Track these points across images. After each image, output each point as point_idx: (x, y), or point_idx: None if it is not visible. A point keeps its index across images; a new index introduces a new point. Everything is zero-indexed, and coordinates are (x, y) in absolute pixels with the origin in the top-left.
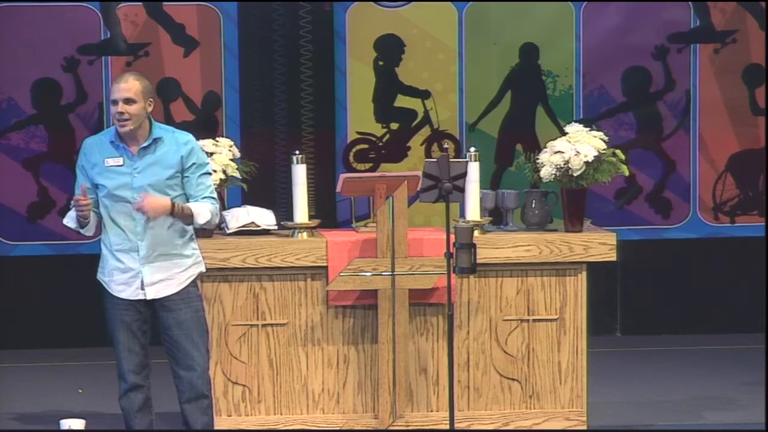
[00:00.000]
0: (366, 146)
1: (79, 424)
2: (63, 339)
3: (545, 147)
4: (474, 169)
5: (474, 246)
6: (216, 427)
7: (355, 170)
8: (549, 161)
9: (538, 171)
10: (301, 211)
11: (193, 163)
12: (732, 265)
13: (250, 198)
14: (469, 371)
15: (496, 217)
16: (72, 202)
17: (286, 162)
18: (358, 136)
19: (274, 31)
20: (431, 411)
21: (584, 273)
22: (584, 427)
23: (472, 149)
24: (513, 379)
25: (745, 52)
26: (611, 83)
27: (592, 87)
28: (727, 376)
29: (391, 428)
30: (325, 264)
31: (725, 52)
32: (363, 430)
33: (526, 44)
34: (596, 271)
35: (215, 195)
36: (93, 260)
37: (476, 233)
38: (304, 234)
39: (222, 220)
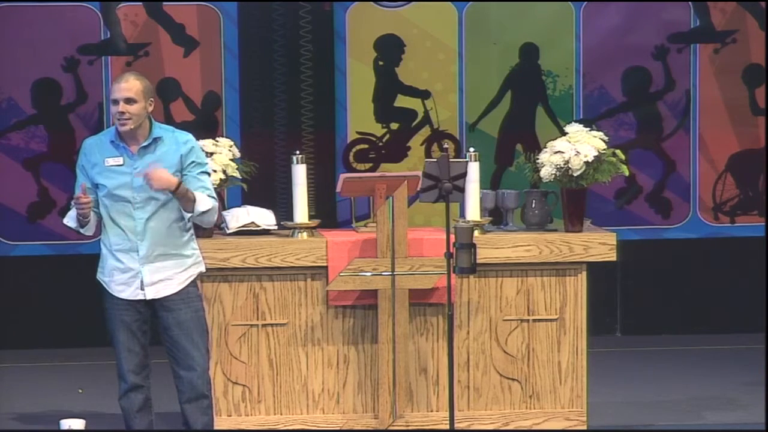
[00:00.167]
0: (366, 146)
1: (79, 424)
2: (63, 339)
3: (545, 147)
4: (474, 169)
5: (474, 246)
6: (216, 427)
7: (355, 170)
8: (549, 161)
9: (538, 171)
10: (301, 211)
11: (192, 162)
12: (732, 265)
13: (250, 198)
14: (469, 371)
15: (496, 217)
16: (72, 201)
17: (286, 162)
18: (358, 136)
19: (274, 31)
20: (431, 411)
21: (584, 273)
22: (584, 427)
23: (472, 149)
24: (513, 379)
25: (745, 52)
26: (611, 83)
27: (592, 87)
28: (727, 376)
29: (391, 428)
30: (325, 264)
31: (725, 52)
32: (363, 430)
33: (526, 44)
34: (596, 271)
35: (214, 194)
36: (93, 260)
37: (476, 233)
38: (304, 234)
39: (222, 220)
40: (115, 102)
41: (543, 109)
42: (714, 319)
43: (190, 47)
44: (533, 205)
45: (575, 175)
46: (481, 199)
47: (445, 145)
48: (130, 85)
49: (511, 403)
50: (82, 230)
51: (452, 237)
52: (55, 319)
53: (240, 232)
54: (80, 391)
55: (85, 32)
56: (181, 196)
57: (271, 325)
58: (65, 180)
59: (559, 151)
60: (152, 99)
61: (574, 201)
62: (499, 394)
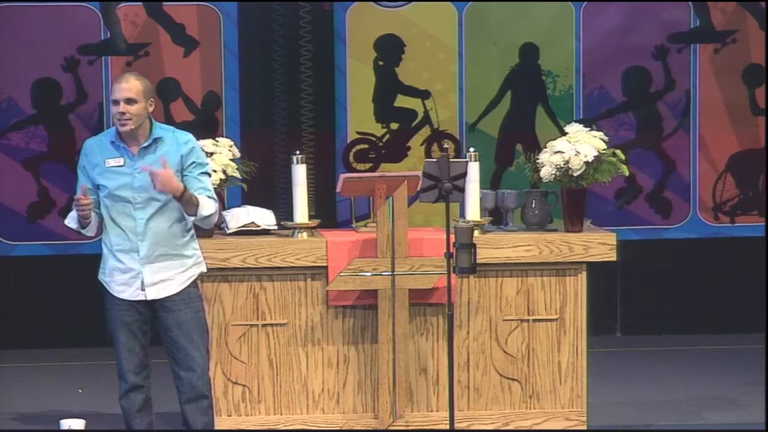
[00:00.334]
0: (366, 146)
1: (79, 424)
2: (63, 339)
3: (545, 147)
4: (474, 169)
5: (474, 246)
6: (216, 427)
7: (355, 170)
8: (549, 161)
9: (538, 171)
10: (301, 211)
11: (193, 162)
12: (732, 265)
13: (250, 198)
14: (469, 371)
15: (496, 217)
16: (73, 202)
17: (286, 162)
18: (358, 136)
19: (274, 31)
20: (431, 411)
21: (584, 273)
22: (584, 427)
23: (472, 149)
24: (513, 379)
25: (745, 52)
26: (611, 83)
27: (592, 87)
28: (727, 376)
29: (391, 428)
30: (325, 264)
31: (725, 52)
32: (363, 430)
33: (526, 44)
34: (596, 271)
35: (214, 195)
36: (93, 260)
37: (476, 233)
38: (304, 234)
39: (222, 220)
40: (116, 102)
41: (543, 109)
42: (714, 319)
43: (190, 47)
44: (533, 205)
45: (575, 175)
46: (481, 199)
47: (445, 145)
48: (130, 86)
49: (511, 403)
50: (83, 231)
51: (452, 237)
52: (55, 319)
53: (240, 232)
54: (80, 391)
55: (85, 32)
56: (185, 201)
57: (271, 325)
58: (65, 180)
59: (559, 151)
60: (152, 99)
61: (574, 201)
62: (499, 394)
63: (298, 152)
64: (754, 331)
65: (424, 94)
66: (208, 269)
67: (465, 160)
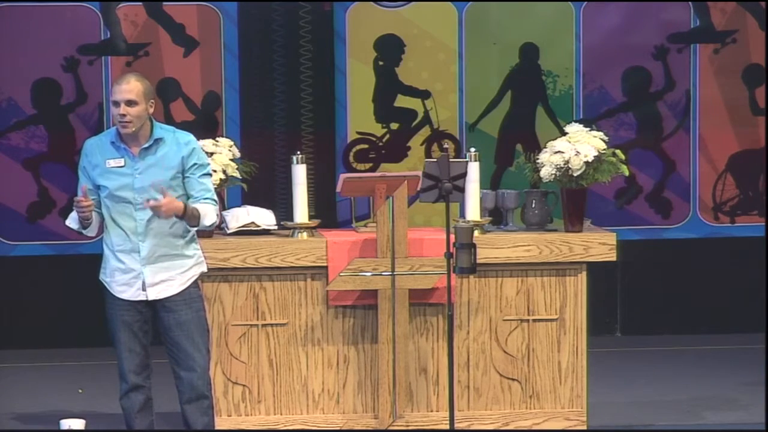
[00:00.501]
0: (366, 146)
1: (79, 424)
2: (63, 339)
3: (545, 147)
4: (474, 169)
5: (474, 246)
6: (216, 427)
7: (355, 170)
8: (549, 161)
9: (538, 171)
10: (301, 211)
11: (194, 164)
12: (732, 265)
13: (250, 198)
14: (469, 371)
15: (496, 217)
16: (74, 204)
17: (286, 162)
18: (358, 136)
19: (274, 31)
20: (431, 411)
21: (584, 273)
22: (584, 427)
23: (472, 149)
24: (513, 379)
25: (745, 52)
26: (611, 83)
27: (592, 87)
28: (727, 376)
29: (391, 428)
30: (325, 264)
31: (725, 52)
32: (363, 430)
33: (526, 44)
34: (596, 271)
35: (215, 196)
36: (93, 260)
37: (476, 233)
38: (304, 234)
39: (222, 220)
40: (116, 104)
41: (543, 109)
42: (714, 319)
43: (190, 47)
44: (533, 205)
45: (575, 175)
46: (481, 199)
47: (445, 145)
48: (131, 87)
49: (511, 403)
50: (84, 231)
51: (452, 237)
52: (55, 319)
53: (240, 232)
54: (80, 391)
55: (85, 32)
56: (188, 218)
57: (271, 325)
58: (65, 180)
59: (559, 151)
60: (153, 100)
61: (574, 201)
62: (499, 394)
63: (298, 152)
64: (754, 331)
65: (424, 94)
66: (208, 269)
67: (465, 160)
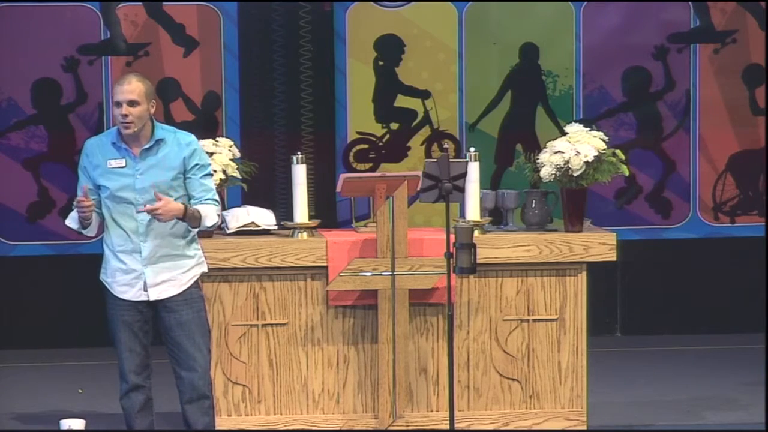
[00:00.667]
0: (366, 146)
1: (79, 424)
2: (63, 339)
3: (545, 147)
4: (474, 169)
5: (474, 246)
6: (216, 427)
7: (355, 170)
8: (549, 161)
9: (538, 171)
10: (301, 211)
11: (196, 164)
12: (732, 265)
13: (250, 198)
14: (469, 371)
15: (496, 217)
16: (74, 204)
17: (286, 162)
18: (358, 136)
19: (274, 31)
20: (431, 411)
21: (584, 273)
22: (584, 427)
23: (472, 149)
24: (513, 379)
25: (745, 52)
26: (611, 83)
27: (592, 87)
28: (727, 376)
29: (391, 428)
30: (325, 264)
31: (725, 52)
32: (363, 430)
33: (526, 44)
34: (596, 271)
35: (217, 197)
36: (93, 260)
37: (476, 233)
38: (304, 234)
39: (222, 220)
40: (118, 104)
41: (543, 109)
42: (714, 319)
43: (190, 47)
44: (533, 205)
45: (575, 175)
46: (481, 199)
47: (445, 145)
48: (132, 87)
49: (511, 403)
50: (84, 231)
51: (452, 237)
52: (55, 319)
53: (240, 232)
54: (80, 391)
55: (85, 32)
56: (188, 219)
57: (271, 325)
58: (65, 180)
59: (559, 151)
60: (154, 100)
61: (574, 201)
62: (499, 394)
63: (298, 152)
64: (754, 331)
65: (424, 94)
66: (209, 269)
67: (465, 160)
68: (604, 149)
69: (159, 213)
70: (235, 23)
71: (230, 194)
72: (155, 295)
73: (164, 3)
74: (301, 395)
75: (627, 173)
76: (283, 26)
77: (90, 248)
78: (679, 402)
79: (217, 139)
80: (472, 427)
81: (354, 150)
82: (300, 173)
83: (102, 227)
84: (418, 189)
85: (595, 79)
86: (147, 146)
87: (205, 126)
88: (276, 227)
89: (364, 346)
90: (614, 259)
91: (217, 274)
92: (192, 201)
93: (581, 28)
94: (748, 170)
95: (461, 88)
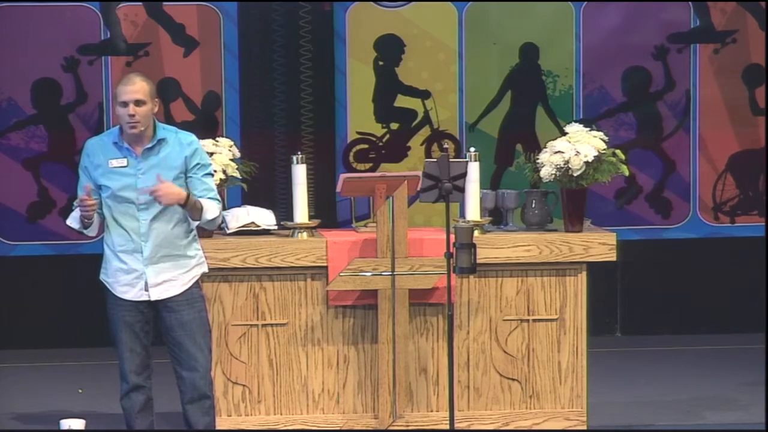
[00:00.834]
0: (366, 146)
1: (79, 424)
2: (63, 339)
3: (545, 147)
4: (474, 169)
5: (474, 246)
6: (216, 427)
7: (355, 170)
8: (549, 161)
9: (538, 171)
10: (301, 211)
11: (197, 164)
12: (732, 265)
13: (250, 198)
14: (469, 371)
15: (496, 217)
16: (78, 202)
17: (286, 162)
18: (358, 136)
19: (274, 31)
20: (431, 411)
21: (584, 273)
22: (584, 427)
23: (472, 149)
24: (513, 379)
25: (745, 52)
26: (611, 83)
27: (592, 87)
28: (727, 376)
29: (391, 428)
30: (325, 264)
31: (725, 52)
32: (363, 430)
33: (526, 44)
34: (596, 271)
35: (218, 196)
36: (93, 260)
37: (476, 233)
38: (304, 234)
39: (222, 220)
40: (124, 104)
41: (543, 109)
42: (714, 319)
43: (190, 47)
44: (533, 205)
45: (575, 175)
46: (481, 199)
47: (445, 145)
48: (138, 87)
49: (511, 403)
50: (85, 231)
51: (452, 237)
52: (55, 319)
53: (240, 232)
54: (80, 391)
55: (85, 32)
56: (190, 208)
57: (271, 325)
58: (65, 180)
59: (559, 151)
60: (157, 100)
61: (574, 201)
62: (499, 394)
63: (298, 152)
64: (754, 331)
65: (424, 94)
66: (209, 269)
67: (465, 160)
68: (604, 149)
69: (159, 194)
70: (235, 23)
71: (230, 194)
72: (156, 295)
73: (164, 3)
74: (301, 395)
75: (627, 173)
76: (283, 26)
77: (90, 248)
78: (679, 402)
79: (217, 139)
80: (472, 427)
81: (354, 150)
82: (300, 173)
83: (102, 227)
84: (418, 189)
85: (595, 79)
86: (149, 146)
87: (205, 126)
88: (276, 227)
89: (364, 346)
90: (614, 259)
91: (217, 274)
92: None
93: (581, 28)
94: (748, 170)
95: (461, 88)
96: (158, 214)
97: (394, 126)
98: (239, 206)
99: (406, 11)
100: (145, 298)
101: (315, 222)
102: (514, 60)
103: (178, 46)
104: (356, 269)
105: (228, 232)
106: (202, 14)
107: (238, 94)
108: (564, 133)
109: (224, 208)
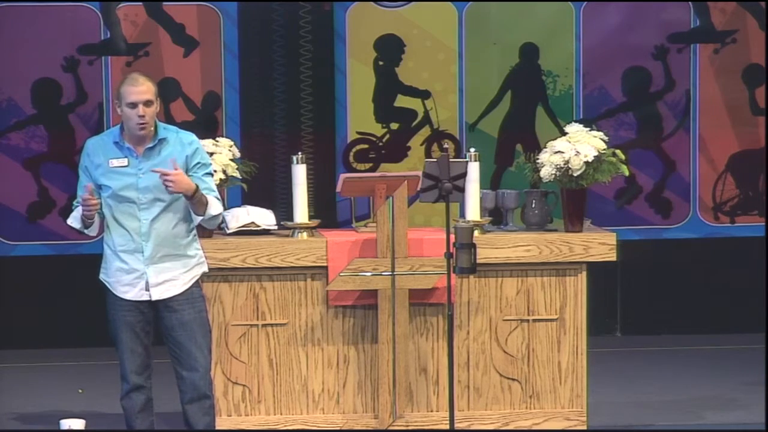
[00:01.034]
0: (366, 146)
1: (79, 424)
2: (63, 339)
3: (545, 147)
4: (474, 169)
5: (474, 246)
6: (216, 427)
7: (355, 170)
8: (549, 161)
9: (538, 171)
10: (301, 211)
11: (198, 163)
12: (732, 265)
13: (250, 198)
14: (469, 371)
15: (496, 217)
16: (80, 202)
17: (286, 162)
18: (358, 136)
19: (274, 31)
20: (431, 411)
21: (584, 273)
22: (584, 427)
23: (472, 149)
24: (513, 379)
25: (745, 52)
26: (611, 83)
27: (592, 87)
28: (727, 376)
29: (391, 428)
30: (325, 264)
31: (725, 52)
32: (363, 430)
33: (526, 44)
34: (596, 271)
35: (219, 195)
36: (93, 260)
37: (476, 233)
38: (304, 234)
39: (222, 220)
40: (133, 105)
41: (543, 109)
42: (714, 319)
43: (190, 47)
44: (533, 205)
45: (575, 175)
46: (481, 199)
47: (445, 145)
48: (146, 88)
49: (511, 403)
50: (86, 231)
51: (452, 237)
52: (55, 319)
53: (240, 232)
54: (80, 391)
55: (85, 32)
56: (197, 201)
57: (271, 325)
58: (65, 180)
59: (559, 151)
60: (159, 99)
61: (574, 201)
62: (499, 394)
63: (298, 152)
64: (754, 331)
65: (424, 94)
66: (209, 269)
67: (465, 160)
68: (604, 149)
69: (171, 180)
70: (235, 23)
71: (230, 194)
72: (157, 294)
73: (164, 3)
74: (301, 395)
75: (627, 173)
76: (283, 26)
77: (90, 248)
78: (679, 402)
79: (217, 139)
80: (472, 427)
81: (354, 150)
82: (300, 173)
83: (103, 227)
84: (418, 189)
85: (595, 79)
86: (150, 145)
87: (205, 126)
88: (276, 227)
89: (364, 346)
90: (614, 259)
91: (217, 274)
92: None
93: (581, 28)
94: (748, 170)
95: (461, 88)
96: (159, 213)
97: (394, 126)
98: (239, 206)
99: (406, 11)
100: (145, 297)
101: (315, 222)
102: (514, 60)
103: (178, 46)
104: (356, 269)
105: (228, 232)
106: (202, 14)
107: (238, 94)
108: (564, 133)
109: (224, 208)
